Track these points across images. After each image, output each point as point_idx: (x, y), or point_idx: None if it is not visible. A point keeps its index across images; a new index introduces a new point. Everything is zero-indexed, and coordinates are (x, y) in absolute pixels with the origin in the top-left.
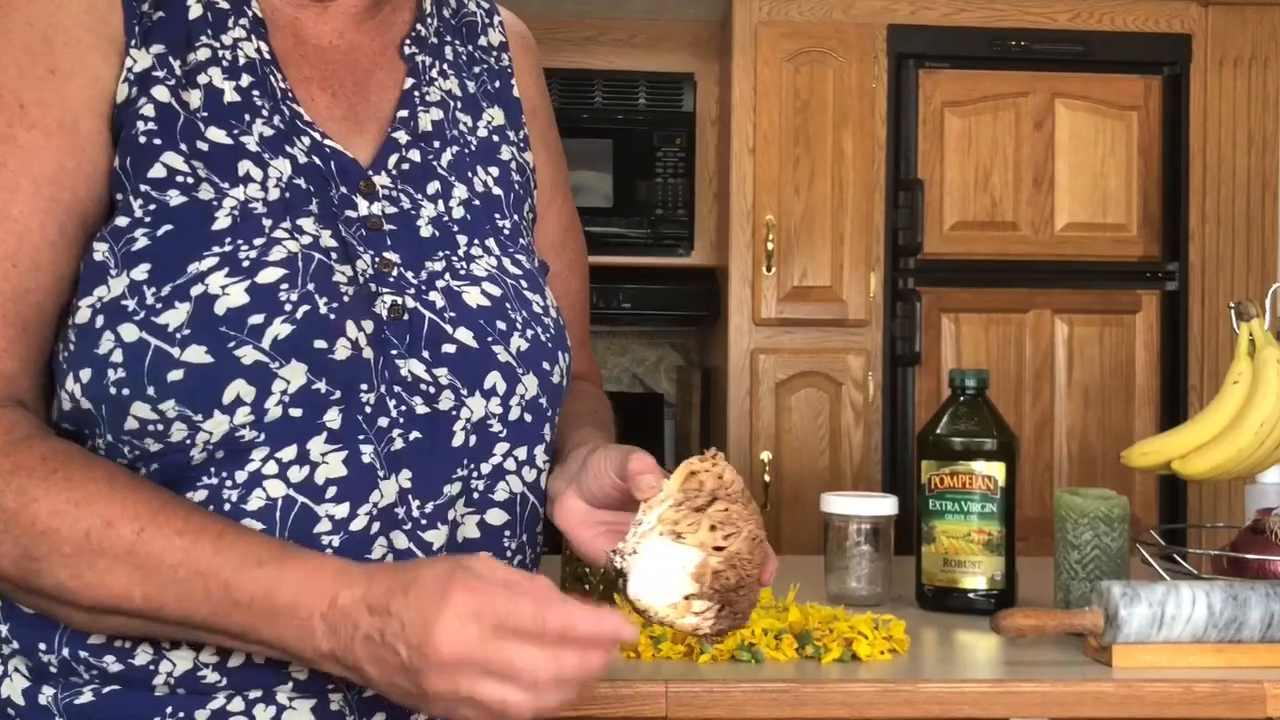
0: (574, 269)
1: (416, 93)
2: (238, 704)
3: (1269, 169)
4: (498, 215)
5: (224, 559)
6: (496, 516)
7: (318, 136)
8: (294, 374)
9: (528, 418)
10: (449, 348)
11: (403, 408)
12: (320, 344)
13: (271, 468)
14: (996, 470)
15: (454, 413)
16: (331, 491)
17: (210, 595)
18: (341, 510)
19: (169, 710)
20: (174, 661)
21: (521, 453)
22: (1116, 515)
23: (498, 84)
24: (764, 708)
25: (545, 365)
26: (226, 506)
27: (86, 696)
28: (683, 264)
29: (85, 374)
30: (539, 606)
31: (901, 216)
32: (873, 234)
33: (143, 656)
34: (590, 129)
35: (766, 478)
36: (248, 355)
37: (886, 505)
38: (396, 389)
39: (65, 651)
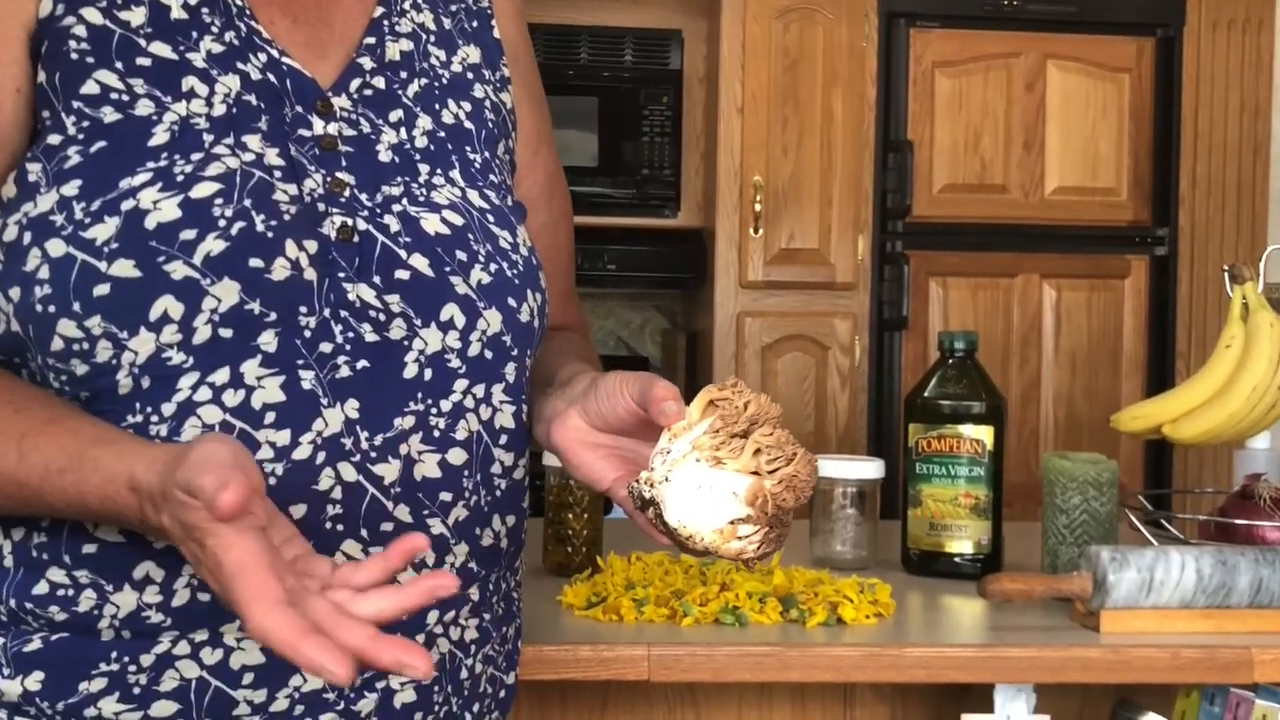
0: (562, 219)
1: (386, 22)
2: (184, 647)
3: (1260, 134)
4: (468, 148)
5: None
6: (457, 456)
7: (275, 54)
8: (225, 292)
9: (488, 354)
10: (402, 274)
11: (349, 334)
12: (256, 262)
13: (204, 393)
14: (985, 434)
15: (406, 343)
16: (270, 418)
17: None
18: (282, 437)
19: (114, 655)
20: (117, 605)
21: (480, 390)
22: (1105, 480)
23: (475, 24)
24: (748, 671)
25: (511, 301)
26: (158, 441)
27: (35, 644)
28: (668, 225)
29: (15, 293)
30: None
31: (890, 179)
32: (861, 196)
33: (86, 602)
34: (575, 86)
35: None
36: (177, 270)
37: (873, 468)
38: (343, 314)
39: (12, 602)
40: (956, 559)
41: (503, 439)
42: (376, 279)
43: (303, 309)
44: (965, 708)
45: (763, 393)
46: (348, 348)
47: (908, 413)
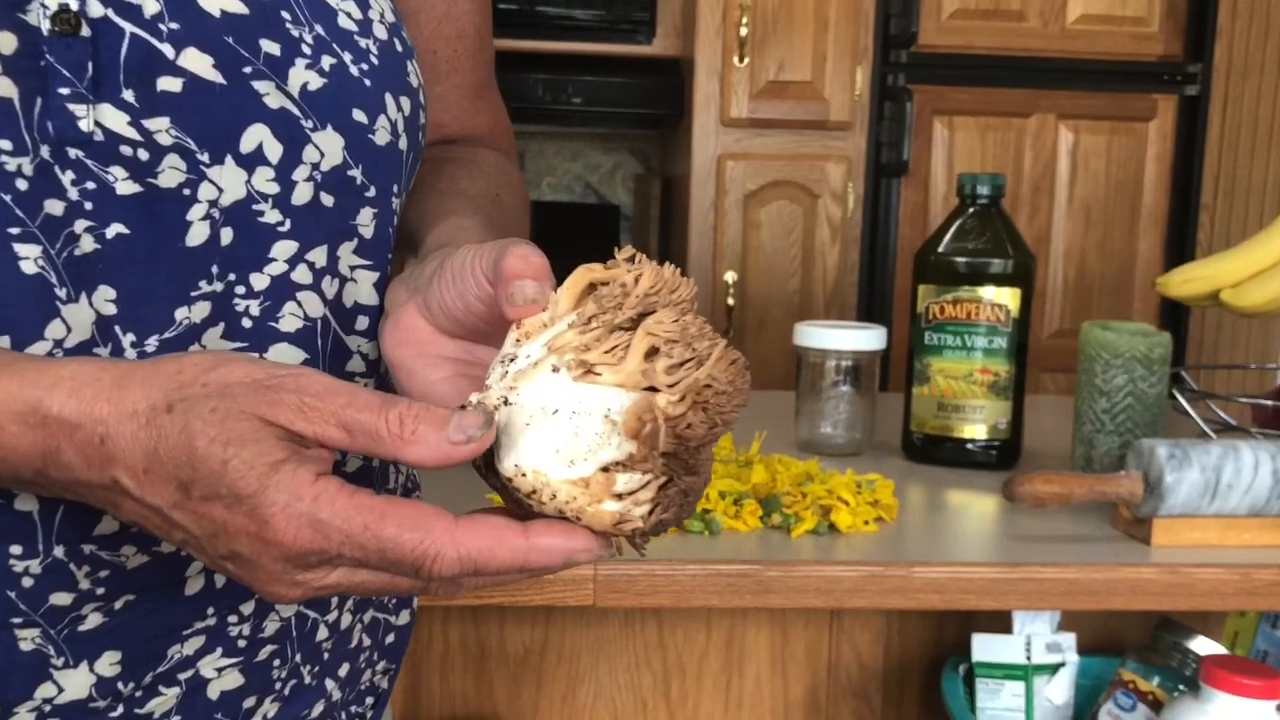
0: None
1: None
2: None
3: None
4: None
5: None
6: (285, 356)
7: None
8: None
9: (327, 199)
10: (170, 84)
11: (90, 185)
12: None
13: None
14: (1009, 298)
15: (186, 192)
16: None
17: None
18: None
19: None
20: None
21: (319, 255)
22: (1157, 356)
23: None
24: (718, 595)
25: (358, 115)
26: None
27: None
28: (643, 53)
29: None
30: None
31: (894, 1)
32: (860, 21)
33: None
34: None
35: (730, 301)
36: None
37: (872, 338)
38: (74, 154)
39: None
40: (968, 445)
41: (361, 322)
42: (128, 94)
43: (3, 146)
44: (976, 625)
45: (668, 263)
46: (89, 206)
47: (917, 272)
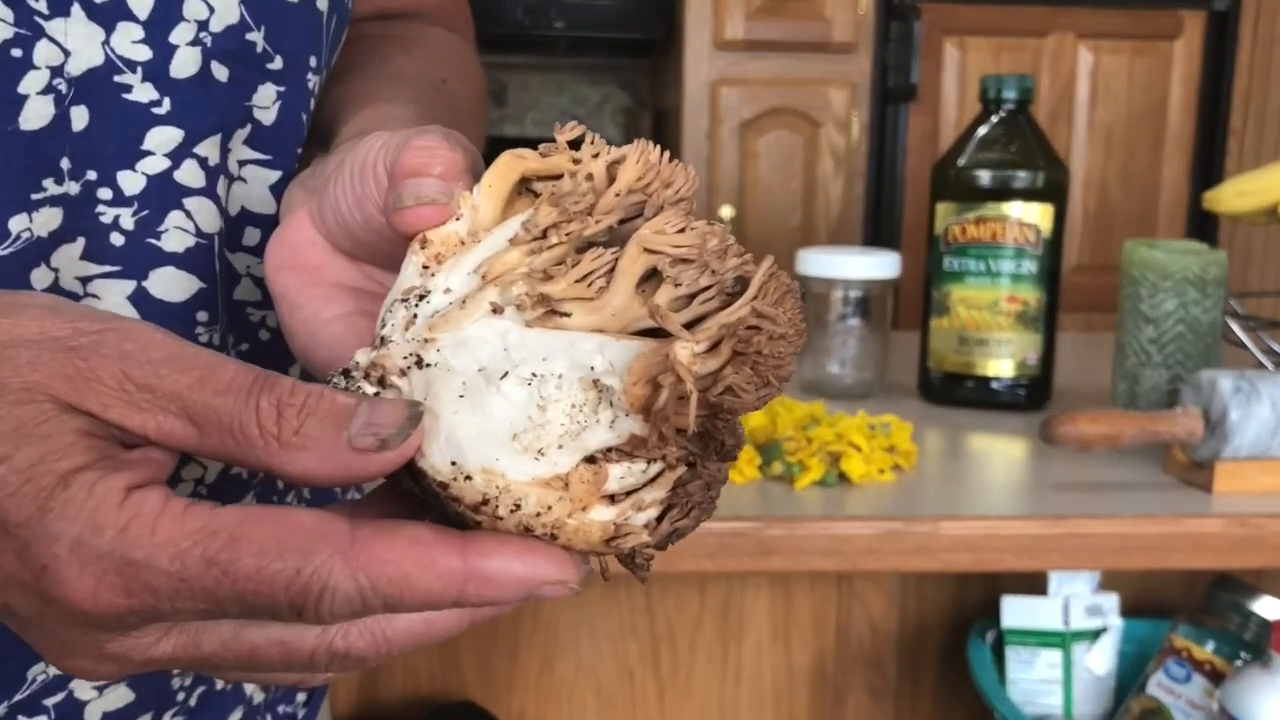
0: None
1: None
2: None
3: None
4: None
5: None
6: (172, 284)
7: None
8: None
9: (220, 74)
10: None
11: None
12: None
13: None
14: (1039, 215)
15: (16, 52)
16: None
17: None
18: None
19: None
20: None
21: (210, 149)
22: (1212, 277)
23: None
24: (710, 558)
25: None
26: None
27: None
28: None
29: None
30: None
31: None
32: None
33: None
34: None
35: None
36: None
37: (884, 265)
38: None
39: None
40: (993, 383)
41: (251, 235)
42: None
43: None
44: (1005, 585)
45: (649, 142)
46: None
47: (935, 188)
